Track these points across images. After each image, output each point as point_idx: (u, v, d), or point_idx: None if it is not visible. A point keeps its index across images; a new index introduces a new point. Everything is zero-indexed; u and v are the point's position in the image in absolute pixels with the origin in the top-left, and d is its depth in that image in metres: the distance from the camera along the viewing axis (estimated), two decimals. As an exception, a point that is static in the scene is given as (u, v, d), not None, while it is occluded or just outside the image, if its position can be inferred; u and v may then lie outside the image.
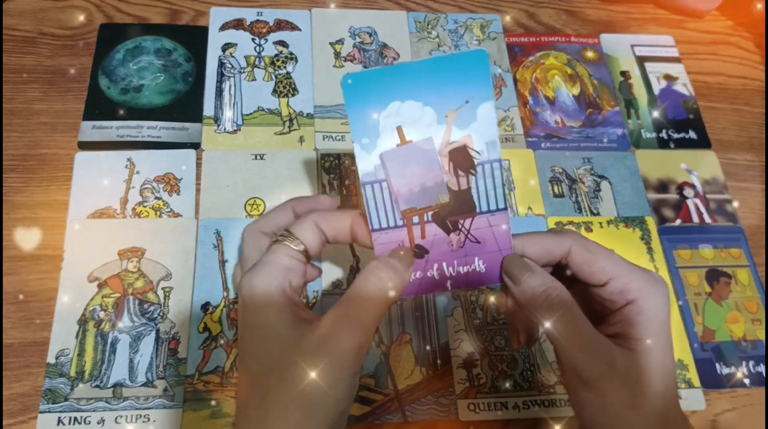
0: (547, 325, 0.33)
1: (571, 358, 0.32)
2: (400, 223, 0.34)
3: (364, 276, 0.33)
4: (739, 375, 0.46)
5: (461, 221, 0.34)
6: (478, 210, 0.34)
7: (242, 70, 0.54)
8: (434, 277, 0.35)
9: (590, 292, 0.35)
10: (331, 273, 0.46)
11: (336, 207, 0.39)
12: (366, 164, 0.32)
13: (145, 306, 0.44)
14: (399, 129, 0.32)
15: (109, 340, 0.42)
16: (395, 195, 0.33)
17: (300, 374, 0.30)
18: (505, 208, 0.34)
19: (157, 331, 0.43)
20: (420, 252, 0.35)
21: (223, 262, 0.46)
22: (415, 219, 0.34)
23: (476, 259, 0.35)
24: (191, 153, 0.50)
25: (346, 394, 0.31)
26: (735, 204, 0.54)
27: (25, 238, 0.45)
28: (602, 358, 0.32)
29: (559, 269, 0.36)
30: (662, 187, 0.54)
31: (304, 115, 0.53)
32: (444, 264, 0.35)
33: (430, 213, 0.34)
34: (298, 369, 0.30)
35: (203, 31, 0.56)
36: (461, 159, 0.33)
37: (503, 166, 0.34)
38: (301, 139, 0.52)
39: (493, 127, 0.33)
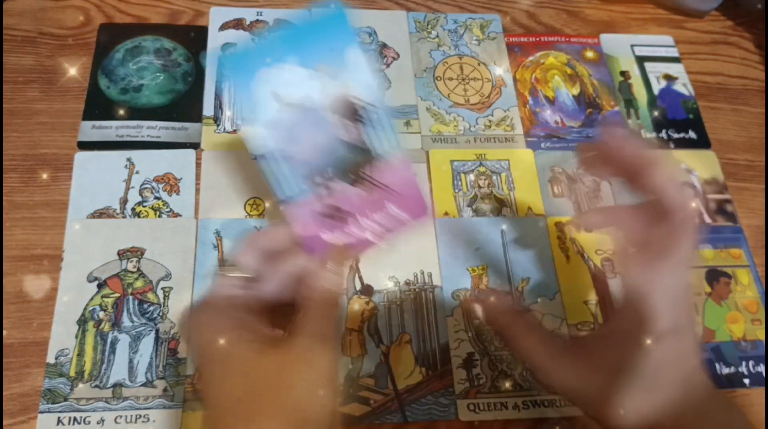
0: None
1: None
2: (305, 188, 0.33)
3: (315, 295, 0.34)
4: (739, 375, 0.46)
5: (362, 171, 0.34)
6: (374, 155, 0.34)
7: (242, 70, 0.54)
8: (355, 232, 0.36)
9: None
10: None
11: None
12: (253, 138, 0.32)
13: (145, 306, 0.44)
14: (273, 94, 0.31)
15: (109, 340, 0.42)
16: (292, 160, 0.32)
17: (289, 393, 0.30)
18: (399, 147, 0.34)
19: (157, 331, 0.43)
20: (336, 212, 0.35)
21: (223, 262, 0.46)
22: (317, 179, 0.33)
23: (386, 202, 0.36)
24: (191, 153, 0.50)
25: (333, 402, 0.32)
26: (735, 204, 0.54)
27: (25, 238, 0.45)
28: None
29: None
30: (662, 187, 0.54)
31: (304, 115, 0.53)
32: (359, 217, 0.35)
33: (330, 169, 0.33)
34: (286, 389, 0.31)
35: (203, 30, 0.56)
36: (345, 108, 0.33)
37: (390, 110, 0.34)
38: (301, 139, 0.52)
39: (366, 71, 0.32)
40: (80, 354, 0.42)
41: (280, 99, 0.31)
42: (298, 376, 0.31)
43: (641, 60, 0.61)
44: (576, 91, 0.58)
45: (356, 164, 0.34)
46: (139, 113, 0.51)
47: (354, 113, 0.33)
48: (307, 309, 0.34)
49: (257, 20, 0.57)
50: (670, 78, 0.60)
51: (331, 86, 0.32)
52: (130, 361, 0.42)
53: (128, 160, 0.49)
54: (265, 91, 0.31)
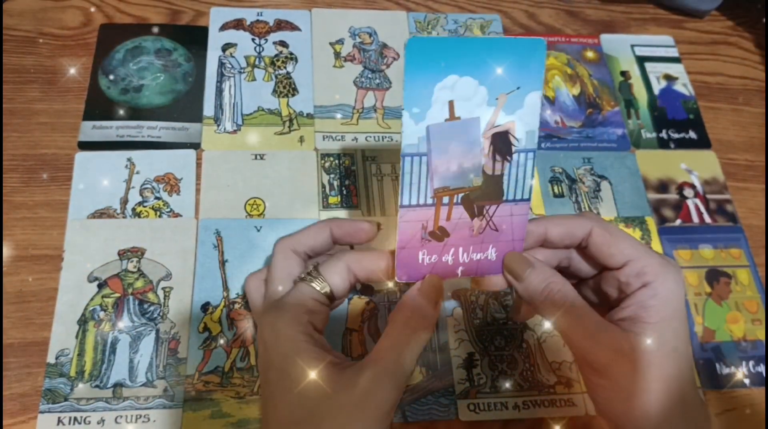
0: (553, 317, 0.33)
1: (579, 347, 0.33)
2: (429, 201, 0.33)
3: (397, 327, 0.33)
4: (739, 375, 0.46)
5: (486, 207, 0.34)
6: (504, 197, 0.34)
7: (242, 70, 0.54)
8: (448, 263, 0.35)
9: (605, 277, 0.36)
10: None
11: (375, 236, 0.38)
12: (411, 135, 0.31)
13: (145, 306, 0.44)
14: (451, 104, 0.31)
15: (109, 340, 0.42)
16: (432, 171, 0.32)
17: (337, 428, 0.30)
18: (529, 200, 0.34)
19: (157, 331, 0.43)
20: (441, 234, 0.34)
21: (223, 262, 0.46)
22: (444, 199, 0.33)
23: (491, 246, 0.35)
24: (191, 153, 0.50)
25: None
26: (735, 204, 0.54)
27: (25, 238, 0.45)
28: (609, 345, 0.32)
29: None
30: (662, 187, 0.54)
31: (304, 115, 0.53)
32: (460, 249, 0.35)
33: (460, 195, 0.33)
34: (334, 423, 0.30)
35: (203, 31, 0.56)
36: (501, 144, 0.33)
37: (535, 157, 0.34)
38: (301, 139, 0.52)
39: (536, 117, 0.33)
40: (80, 354, 0.42)
41: (453, 112, 0.31)
42: (357, 416, 0.30)
43: (641, 60, 0.61)
44: (576, 91, 0.58)
45: (485, 198, 0.34)
46: (139, 113, 0.51)
47: (507, 151, 0.33)
48: (388, 339, 0.32)
49: (257, 20, 0.57)
50: (670, 78, 0.60)
51: (501, 119, 0.32)
52: (131, 361, 0.42)
53: (129, 160, 0.49)
54: (444, 96, 0.31)
